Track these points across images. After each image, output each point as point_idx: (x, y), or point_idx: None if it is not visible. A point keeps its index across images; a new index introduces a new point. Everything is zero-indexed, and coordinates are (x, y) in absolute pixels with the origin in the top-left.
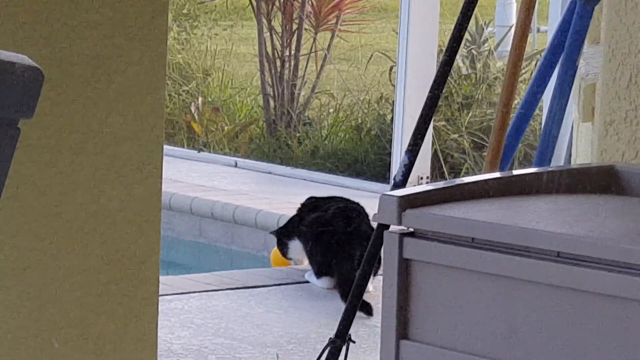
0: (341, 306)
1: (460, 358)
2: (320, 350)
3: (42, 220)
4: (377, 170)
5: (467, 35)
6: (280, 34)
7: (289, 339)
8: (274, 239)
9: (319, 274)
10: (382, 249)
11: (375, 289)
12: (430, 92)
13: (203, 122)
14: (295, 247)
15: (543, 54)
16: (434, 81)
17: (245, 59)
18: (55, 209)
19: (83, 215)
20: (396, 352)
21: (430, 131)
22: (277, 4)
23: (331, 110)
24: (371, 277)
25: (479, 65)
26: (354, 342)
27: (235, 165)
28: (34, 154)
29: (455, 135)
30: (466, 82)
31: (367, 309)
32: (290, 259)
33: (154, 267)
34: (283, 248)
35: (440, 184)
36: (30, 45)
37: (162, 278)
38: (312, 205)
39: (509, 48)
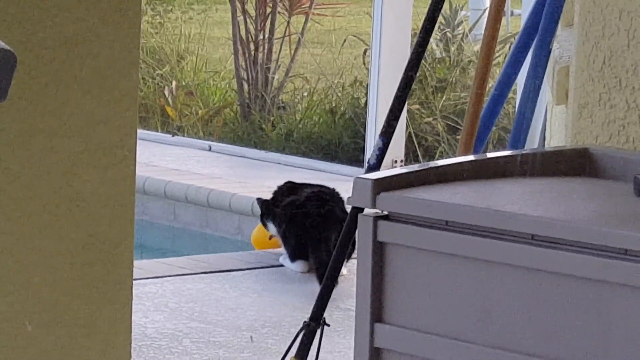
0: (316, 289)
1: (434, 341)
2: (295, 334)
3: (15, 203)
4: (351, 154)
5: (440, 19)
6: (254, 18)
7: (264, 322)
8: (249, 223)
9: (293, 257)
10: (356, 232)
11: (350, 272)
12: (404, 73)
13: (177, 106)
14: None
15: (517, 36)
16: (408, 62)
17: (219, 43)
18: (28, 192)
19: (56, 199)
20: (371, 335)
21: (404, 114)
22: None
23: (305, 94)
24: (345, 261)
25: (452, 49)
26: (328, 325)
27: (209, 149)
28: (7, 137)
29: (430, 119)
30: (440, 65)
31: None
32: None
33: (128, 251)
34: (265, 221)
35: (415, 167)
36: (3, 28)
37: (136, 262)
38: (287, 188)
39: (482, 31)
